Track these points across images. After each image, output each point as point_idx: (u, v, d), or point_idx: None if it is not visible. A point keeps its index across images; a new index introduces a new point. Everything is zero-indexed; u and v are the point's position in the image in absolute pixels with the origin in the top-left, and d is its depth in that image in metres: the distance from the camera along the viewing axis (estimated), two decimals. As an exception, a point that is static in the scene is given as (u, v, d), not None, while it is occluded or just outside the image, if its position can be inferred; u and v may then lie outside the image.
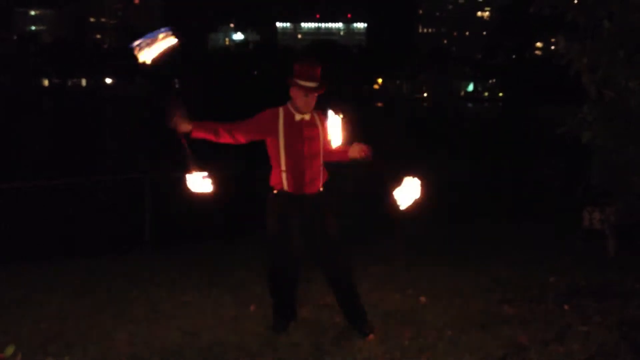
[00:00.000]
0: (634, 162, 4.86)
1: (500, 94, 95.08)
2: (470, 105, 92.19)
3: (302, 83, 4.66)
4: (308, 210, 4.77)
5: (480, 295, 5.81)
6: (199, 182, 4.59)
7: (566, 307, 5.42)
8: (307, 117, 4.77)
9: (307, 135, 4.74)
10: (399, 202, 4.57)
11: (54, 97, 76.54)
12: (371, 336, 4.81)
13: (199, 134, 4.62)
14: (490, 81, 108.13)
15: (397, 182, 4.59)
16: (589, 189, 7.75)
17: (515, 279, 6.33)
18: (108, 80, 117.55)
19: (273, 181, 4.82)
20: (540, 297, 5.68)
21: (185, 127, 4.56)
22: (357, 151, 4.77)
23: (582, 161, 7.65)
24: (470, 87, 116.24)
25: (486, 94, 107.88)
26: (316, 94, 4.73)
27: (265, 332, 4.95)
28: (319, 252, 4.85)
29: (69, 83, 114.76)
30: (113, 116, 51.94)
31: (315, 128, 4.78)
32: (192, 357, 4.55)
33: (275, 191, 4.81)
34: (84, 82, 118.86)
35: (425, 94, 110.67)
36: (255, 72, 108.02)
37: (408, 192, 4.57)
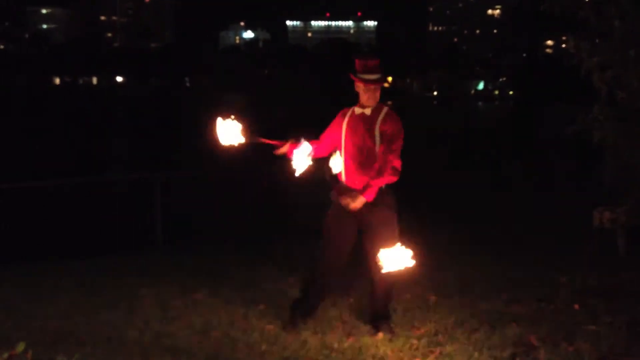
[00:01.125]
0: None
1: (511, 93, 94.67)
2: (480, 104, 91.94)
3: (363, 76, 4.79)
4: (361, 210, 4.74)
5: (490, 295, 5.80)
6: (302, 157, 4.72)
7: (576, 306, 5.40)
8: (367, 112, 4.84)
9: (361, 131, 4.80)
10: (382, 264, 4.57)
11: (66, 96, 76.86)
12: (380, 334, 4.81)
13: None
14: (500, 80, 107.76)
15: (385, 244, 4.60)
16: (599, 189, 7.72)
17: (525, 278, 6.32)
18: (119, 79, 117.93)
19: (339, 172, 4.91)
20: (550, 297, 5.67)
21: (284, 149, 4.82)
22: (347, 200, 4.73)
23: (593, 160, 7.62)
24: (481, 86, 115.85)
25: (496, 92, 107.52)
26: (379, 87, 4.82)
27: (274, 331, 4.96)
28: (370, 245, 4.83)
29: (80, 81, 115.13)
30: (124, 115, 52.11)
31: (373, 125, 4.80)
32: (202, 355, 4.57)
33: (335, 181, 4.90)
34: (94, 80, 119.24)
35: (435, 92, 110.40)
36: (266, 71, 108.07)
37: (396, 258, 4.57)
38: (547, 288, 5.95)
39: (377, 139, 4.77)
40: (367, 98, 4.82)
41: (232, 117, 4.72)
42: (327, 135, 4.99)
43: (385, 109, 4.86)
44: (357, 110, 4.87)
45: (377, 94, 4.83)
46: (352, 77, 4.84)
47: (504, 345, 4.61)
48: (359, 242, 4.95)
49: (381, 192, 4.78)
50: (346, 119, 4.88)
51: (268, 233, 8.91)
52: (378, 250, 4.66)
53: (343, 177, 4.87)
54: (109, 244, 8.37)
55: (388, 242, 4.67)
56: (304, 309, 5.06)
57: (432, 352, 4.56)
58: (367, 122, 4.82)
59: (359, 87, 4.83)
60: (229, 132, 4.71)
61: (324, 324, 5.07)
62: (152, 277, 6.62)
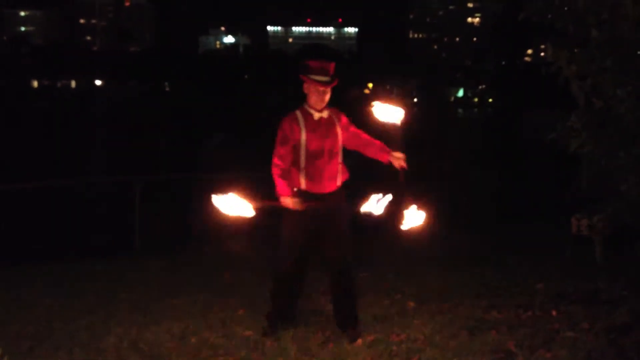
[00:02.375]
0: (621, 170, 4.89)
1: (490, 100, 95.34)
2: (460, 110, 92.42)
3: (316, 78, 4.77)
4: (325, 208, 4.78)
5: (469, 301, 5.82)
6: (237, 205, 4.65)
7: (554, 313, 5.44)
8: (325, 115, 4.85)
9: (326, 133, 4.81)
10: (402, 223, 4.70)
11: (45, 99, 76.22)
12: (359, 341, 4.82)
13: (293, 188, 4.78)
14: (480, 87, 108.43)
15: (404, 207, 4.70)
16: (577, 196, 7.78)
17: (504, 284, 6.35)
18: (98, 82, 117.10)
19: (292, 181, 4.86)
20: (528, 303, 5.70)
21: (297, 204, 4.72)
22: (398, 160, 4.83)
23: (571, 168, 7.68)
24: (461, 93, 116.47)
25: (476, 99, 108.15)
26: (329, 89, 4.82)
27: (253, 336, 4.95)
28: (327, 248, 4.86)
29: (59, 84, 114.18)
30: (104, 118, 51.76)
31: (334, 126, 4.85)
32: (180, 360, 4.55)
33: (294, 190, 4.82)
34: (73, 83, 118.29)
35: (415, 99, 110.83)
36: (246, 76, 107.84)
37: (412, 218, 4.71)
38: (525, 295, 5.99)
39: (340, 135, 4.86)
40: (316, 100, 4.80)
41: (228, 192, 4.65)
42: (290, 150, 4.82)
43: (333, 109, 4.91)
44: (316, 115, 4.82)
45: (326, 97, 4.82)
46: (303, 77, 4.82)
47: (482, 352, 4.63)
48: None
49: (341, 189, 4.88)
50: (303, 126, 4.78)
51: (246, 238, 8.89)
52: (339, 249, 4.80)
53: (303, 184, 4.80)
54: (87, 248, 8.31)
55: (348, 241, 4.85)
56: (283, 318, 5.03)
57: (411, 358, 4.56)
58: (329, 124, 4.84)
59: (309, 88, 4.82)
60: (232, 205, 4.65)
61: (303, 330, 5.06)
62: (131, 282, 6.58)
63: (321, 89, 4.79)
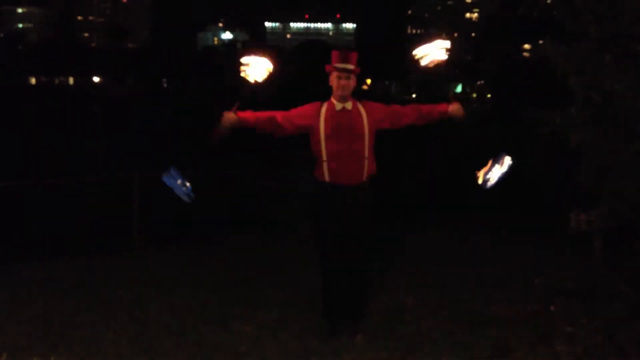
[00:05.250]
0: (620, 165, 4.89)
1: (489, 96, 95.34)
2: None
3: (337, 65, 4.81)
4: (348, 202, 4.76)
5: (467, 297, 5.83)
6: (181, 187, 4.64)
7: (552, 308, 5.45)
8: (348, 106, 4.83)
9: (348, 124, 4.78)
10: (486, 179, 4.75)
11: (42, 96, 76.12)
12: (359, 337, 4.82)
13: (244, 121, 4.69)
14: (478, 82, 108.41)
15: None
16: (576, 191, 7.78)
17: (502, 280, 6.36)
18: (96, 79, 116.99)
19: (316, 173, 4.86)
20: (527, 298, 5.71)
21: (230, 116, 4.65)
22: (457, 109, 4.85)
23: (570, 162, 7.68)
24: (459, 89, 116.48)
25: (474, 95, 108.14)
26: (353, 77, 4.83)
27: (252, 333, 4.95)
28: (344, 241, 4.82)
29: (56, 82, 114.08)
30: (102, 116, 51.73)
31: (359, 117, 4.82)
32: (179, 357, 4.55)
33: (317, 182, 4.83)
34: (71, 80, 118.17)
35: (414, 95, 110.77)
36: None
37: (497, 170, 4.72)
38: (524, 290, 5.99)
39: (366, 127, 4.80)
40: (338, 87, 4.80)
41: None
42: (293, 116, 4.81)
43: (364, 102, 4.91)
44: (338, 105, 4.82)
45: (349, 85, 4.81)
46: (327, 67, 4.87)
47: (481, 347, 4.63)
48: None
49: (367, 183, 4.84)
50: (323, 114, 4.80)
51: (246, 234, 8.89)
52: (358, 236, 4.77)
53: (327, 176, 4.78)
54: (86, 246, 8.30)
55: (367, 237, 4.82)
56: (336, 313, 4.93)
57: (410, 353, 4.57)
58: (353, 115, 4.81)
59: (333, 78, 4.84)
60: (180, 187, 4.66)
61: (303, 325, 5.07)
62: (129, 279, 6.58)
63: (341, 75, 4.80)
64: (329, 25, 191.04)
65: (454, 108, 4.88)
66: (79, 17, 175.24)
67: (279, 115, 4.79)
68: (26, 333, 4.99)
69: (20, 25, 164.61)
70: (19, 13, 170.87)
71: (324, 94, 4.97)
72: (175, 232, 9.08)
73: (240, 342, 4.77)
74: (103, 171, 19.01)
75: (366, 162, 4.81)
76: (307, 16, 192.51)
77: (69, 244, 8.33)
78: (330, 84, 4.88)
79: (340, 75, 4.81)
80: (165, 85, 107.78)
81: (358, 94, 4.95)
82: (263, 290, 6.09)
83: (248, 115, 4.71)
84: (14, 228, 8.32)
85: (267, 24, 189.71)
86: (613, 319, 5.10)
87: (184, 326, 5.11)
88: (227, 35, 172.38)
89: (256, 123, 4.74)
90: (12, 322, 5.22)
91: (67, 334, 4.96)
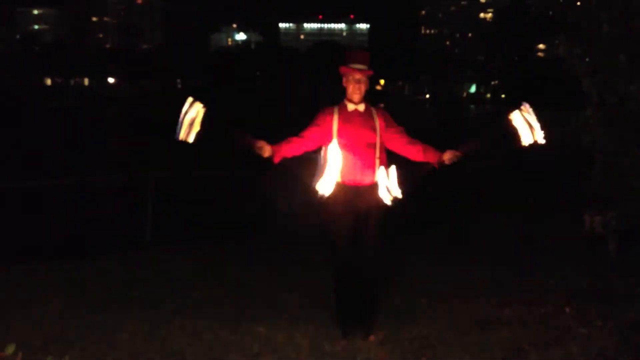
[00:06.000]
0: (634, 166, 4.86)
1: (503, 96, 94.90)
2: (472, 107, 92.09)
3: (352, 65, 4.84)
4: (360, 202, 4.78)
5: (481, 297, 5.81)
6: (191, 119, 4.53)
7: (567, 309, 5.42)
8: (360, 108, 4.87)
9: (361, 125, 4.82)
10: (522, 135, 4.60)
11: (57, 96, 76.61)
12: (371, 337, 4.82)
13: (283, 153, 4.79)
14: (492, 83, 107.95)
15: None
16: (590, 192, 7.74)
17: (516, 281, 6.33)
18: (110, 80, 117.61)
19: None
20: (541, 300, 5.68)
21: (267, 153, 4.71)
22: (450, 157, 4.82)
23: (583, 164, 7.64)
24: (473, 89, 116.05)
25: (488, 95, 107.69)
26: (366, 79, 4.87)
27: (265, 333, 4.96)
28: (357, 242, 4.84)
29: (72, 82, 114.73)
30: (116, 116, 51.98)
31: (370, 119, 4.86)
32: (193, 357, 4.56)
33: (278, 154, 4.82)
34: (86, 81, 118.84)
35: (427, 96, 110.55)
36: (258, 73, 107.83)
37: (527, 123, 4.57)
38: (538, 291, 5.97)
39: (378, 131, 4.83)
40: (353, 89, 4.84)
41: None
42: (312, 132, 4.88)
43: (377, 108, 4.95)
44: (350, 106, 4.87)
45: (363, 87, 4.86)
46: (341, 69, 4.90)
47: (494, 349, 4.62)
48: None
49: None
50: (336, 117, 4.84)
51: (259, 235, 8.91)
52: (370, 237, 4.78)
53: (339, 177, 4.79)
54: (100, 245, 8.35)
55: (379, 237, 4.83)
56: (349, 314, 4.93)
57: (422, 355, 4.56)
58: (365, 117, 4.85)
59: (346, 79, 4.88)
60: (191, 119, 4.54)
61: (316, 326, 5.07)
62: (143, 279, 6.61)
63: (356, 76, 4.84)
64: (342, 25, 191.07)
65: (448, 157, 4.83)
66: (94, 18, 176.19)
67: (302, 134, 4.88)
68: (42, 332, 5.02)
69: (36, 27, 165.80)
70: (34, 14, 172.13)
71: (338, 95, 5.00)
72: (190, 232, 9.11)
73: (253, 342, 4.78)
74: (117, 171, 19.12)
75: (378, 162, 4.82)
76: (320, 17, 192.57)
77: (84, 243, 8.38)
78: (344, 84, 4.91)
79: (354, 78, 4.84)
80: (179, 85, 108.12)
81: (371, 95, 4.97)
82: (276, 290, 6.10)
83: (282, 147, 4.79)
84: (31, 227, 8.37)
85: (281, 25, 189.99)
86: (628, 321, 5.07)
87: (197, 326, 5.13)
88: (240, 36, 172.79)
89: (287, 149, 4.81)
90: (28, 321, 5.26)
91: (82, 334, 4.98)
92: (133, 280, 6.53)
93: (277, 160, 4.79)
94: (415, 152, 4.91)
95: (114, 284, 6.40)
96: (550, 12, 5.22)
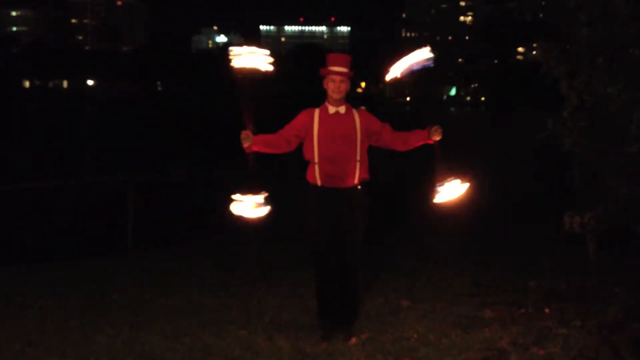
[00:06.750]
0: (613, 168, 4.90)
1: (483, 99, 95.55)
2: (452, 109, 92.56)
3: (332, 68, 4.86)
4: (340, 205, 4.80)
5: (462, 299, 5.83)
6: (252, 208, 4.65)
7: (547, 310, 5.45)
8: (341, 110, 4.89)
9: (341, 128, 4.83)
10: (439, 197, 4.78)
11: (36, 99, 75.96)
12: (353, 339, 4.82)
13: (259, 148, 4.78)
14: (472, 85, 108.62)
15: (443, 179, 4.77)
16: (569, 194, 7.81)
17: (496, 282, 6.37)
18: (90, 82, 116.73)
19: (308, 176, 4.89)
20: (521, 301, 5.71)
21: (247, 142, 4.70)
22: (437, 133, 4.85)
23: (563, 165, 7.71)
24: (453, 92, 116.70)
25: (468, 98, 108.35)
26: (347, 80, 4.88)
27: (246, 336, 4.94)
28: (337, 244, 4.85)
29: (51, 85, 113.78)
30: (96, 119, 51.63)
31: (351, 122, 4.87)
32: (173, 360, 4.54)
33: (309, 185, 4.86)
34: (65, 84, 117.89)
35: (408, 98, 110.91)
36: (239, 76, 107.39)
37: (451, 190, 4.78)
38: (518, 292, 6.00)
39: (359, 134, 4.85)
40: (333, 88, 4.85)
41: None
42: (290, 130, 4.89)
43: (358, 109, 4.98)
44: (331, 109, 4.88)
45: (342, 87, 4.87)
46: (321, 71, 4.92)
47: (475, 350, 4.63)
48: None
49: (358, 188, 4.85)
50: (317, 118, 4.86)
51: (240, 237, 8.88)
52: (350, 239, 4.81)
53: (318, 179, 4.81)
54: (80, 248, 8.28)
55: (358, 240, 4.86)
56: (330, 316, 4.94)
57: (404, 356, 4.57)
58: (345, 119, 4.87)
59: (326, 81, 4.89)
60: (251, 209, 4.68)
61: (297, 329, 5.06)
62: (123, 282, 6.57)
63: (335, 78, 4.84)
64: (323, 28, 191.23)
65: (432, 130, 4.87)
66: (73, 20, 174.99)
67: (281, 132, 4.89)
68: (20, 336, 4.97)
69: (14, 29, 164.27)
70: (12, 16, 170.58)
71: (319, 97, 5.00)
72: (169, 234, 9.06)
73: (234, 345, 4.76)
74: (98, 174, 18.95)
75: (358, 165, 4.84)
76: (301, 19, 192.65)
77: (63, 246, 8.31)
78: (325, 87, 4.92)
79: (334, 79, 4.85)
80: (159, 88, 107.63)
81: (352, 97, 4.98)
82: (257, 293, 6.08)
83: (259, 137, 4.79)
84: (8, 232, 8.29)
85: (262, 27, 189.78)
86: (607, 321, 5.11)
87: (178, 330, 5.10)
88: (221, 39, 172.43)
89: (265, 141, 4.81)
90: (6, 326, 5.21)
91: (61, 338, 4.95)
92: (113, 284, 6.48)
93: (249, 150, 4.74)
94: (402, 142, 4.95)
95: (93, 288, 6.35)
96: (528, 18, 5.25)
